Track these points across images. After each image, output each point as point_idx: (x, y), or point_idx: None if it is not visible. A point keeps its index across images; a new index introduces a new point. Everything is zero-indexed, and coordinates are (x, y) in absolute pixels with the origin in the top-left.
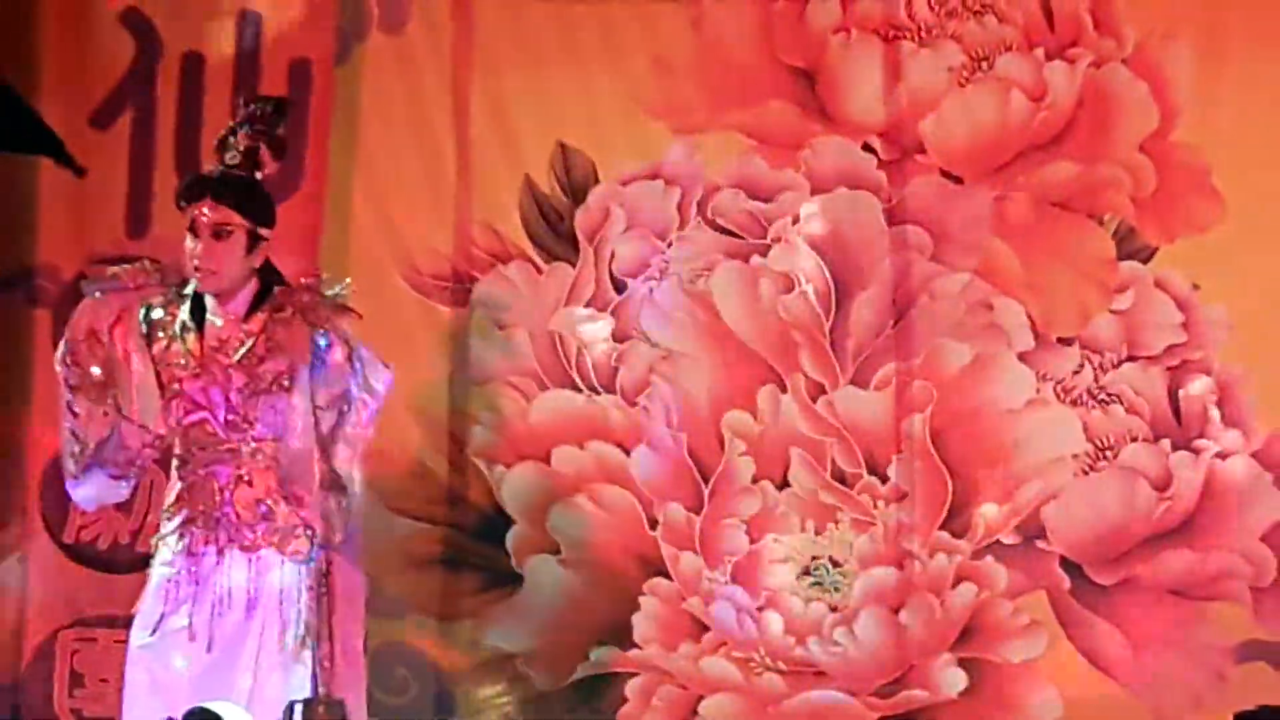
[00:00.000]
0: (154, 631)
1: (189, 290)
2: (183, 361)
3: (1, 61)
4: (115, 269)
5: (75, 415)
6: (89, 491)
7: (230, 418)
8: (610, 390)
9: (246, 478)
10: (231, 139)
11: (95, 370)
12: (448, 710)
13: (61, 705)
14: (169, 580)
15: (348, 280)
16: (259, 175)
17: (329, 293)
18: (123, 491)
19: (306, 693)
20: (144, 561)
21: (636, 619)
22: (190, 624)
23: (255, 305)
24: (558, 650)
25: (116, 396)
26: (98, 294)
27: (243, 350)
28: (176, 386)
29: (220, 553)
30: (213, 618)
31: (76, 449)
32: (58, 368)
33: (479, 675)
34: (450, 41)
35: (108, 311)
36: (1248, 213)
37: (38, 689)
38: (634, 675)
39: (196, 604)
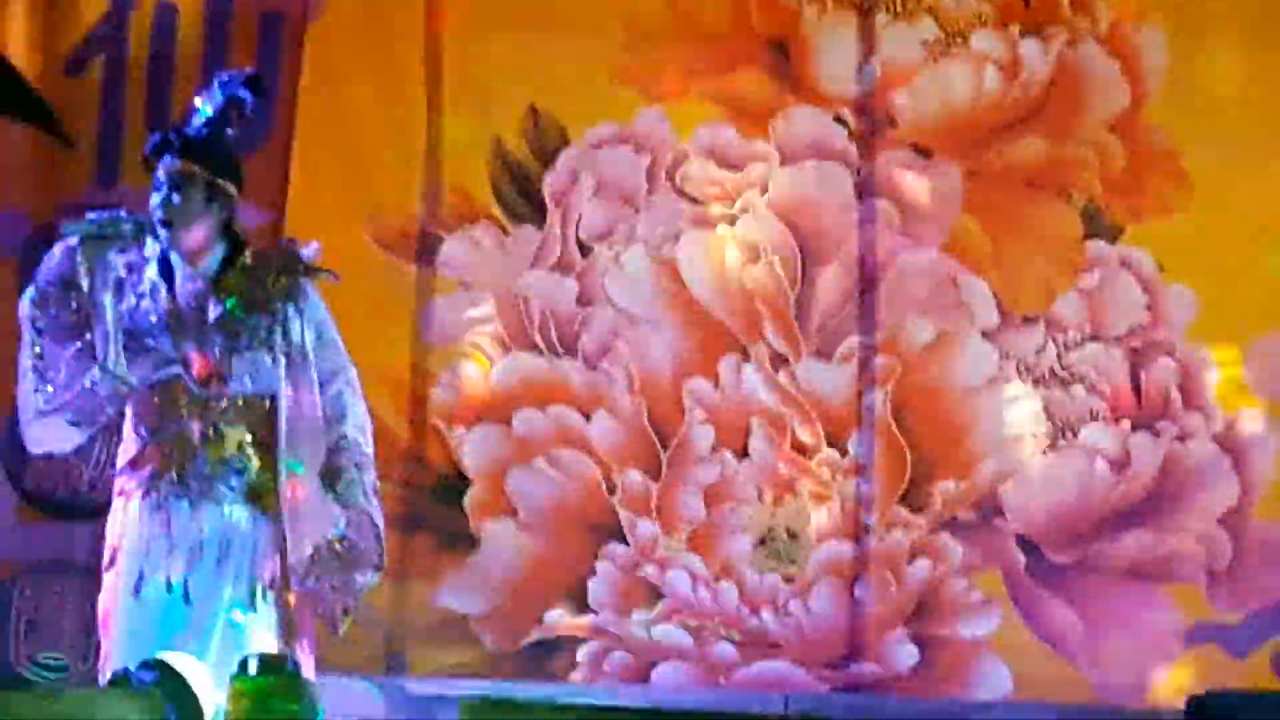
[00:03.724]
0: (137, 590)
1: (155, 248)
2: (154, 319)
3: None
4: (94, 216)
5: (40, 357)
6: (41, 434)
7: (203, 374)
8: (572, 354)
9: (217, 433)
10: (201, 105)
11: (67, 315)
12: (399, 668)
13: (17, 653)
14: (144, 537)
15: (316, 245)
16: (225, 132)
17: (302, 254)
18: (75, 439)
19: (270, 644)
20: (100, 509)
21: (591, 584)
22: (167, 578)
23: (226, 266)
24: (511, 613)
25: (89, 343)
26: (74, 239)
27: (220, 309)
28: (150, 342)
29: (192, 506)
30: (187, 570)
31: (39, 391)
32: (26, 309)
33: (432, 635)
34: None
35: (83, 258)
36: (1215, 195)
37: None
38: (587, 640)
39: (171, 557)
